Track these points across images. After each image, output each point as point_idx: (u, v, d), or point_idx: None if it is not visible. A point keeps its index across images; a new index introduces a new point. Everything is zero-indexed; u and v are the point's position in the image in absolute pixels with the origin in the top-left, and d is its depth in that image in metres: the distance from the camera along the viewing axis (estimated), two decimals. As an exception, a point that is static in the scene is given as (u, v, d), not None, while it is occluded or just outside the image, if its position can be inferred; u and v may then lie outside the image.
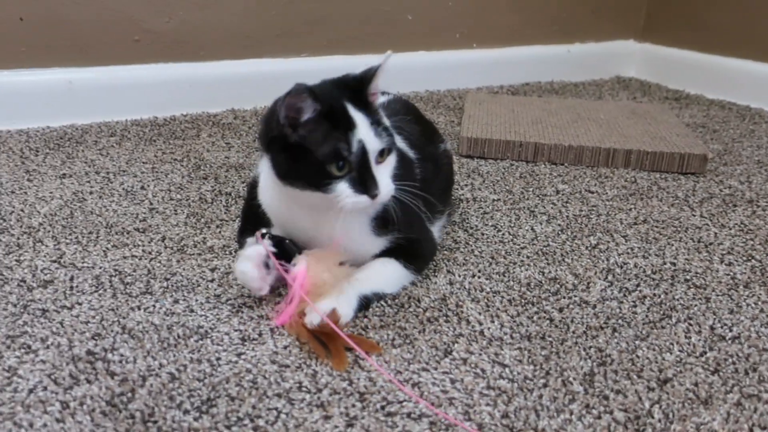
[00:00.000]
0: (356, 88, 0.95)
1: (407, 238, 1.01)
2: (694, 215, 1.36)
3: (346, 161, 0.90)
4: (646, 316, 1.00)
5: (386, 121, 0.97)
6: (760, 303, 1.05)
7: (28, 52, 1.67)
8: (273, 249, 0.96)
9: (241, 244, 1.12)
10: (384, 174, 0.94)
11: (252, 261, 0.95)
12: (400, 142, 1.05)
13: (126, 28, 1.76)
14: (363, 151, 0.91)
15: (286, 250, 0.98)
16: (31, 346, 0.86)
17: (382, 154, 0.94)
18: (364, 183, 0.91)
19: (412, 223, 1.02)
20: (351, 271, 0.98)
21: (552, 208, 1.37)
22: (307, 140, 0.91)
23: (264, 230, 0.99)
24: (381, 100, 1.20)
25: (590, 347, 0.92)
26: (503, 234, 1.25)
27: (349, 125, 0.91)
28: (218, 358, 0.86)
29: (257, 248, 0.96)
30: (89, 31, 1.72)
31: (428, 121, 1.30)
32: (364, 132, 0.91)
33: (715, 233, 1.28)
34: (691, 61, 2.46)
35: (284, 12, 1.95)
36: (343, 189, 0.91)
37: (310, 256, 0.96)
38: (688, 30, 2.48)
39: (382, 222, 0.99)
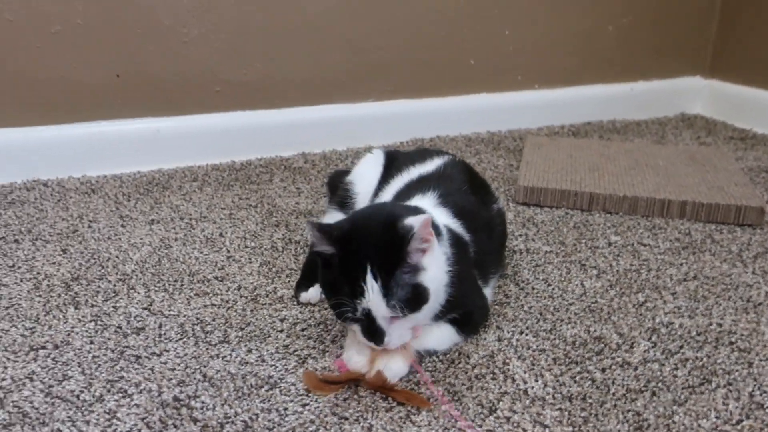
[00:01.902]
0: (392, 242, 0.93)
1: (463, 312, 1.09)
2: (746, 272, 1.39)
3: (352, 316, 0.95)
4: (686, 380, 1.05)
5: (425, 278, 0.95)
6: (803, 370, 1.08)
7: (123, 104, 1.85)
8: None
9: (297, 296, 1.23)
10: (400, 326, 0.96)
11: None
12: (454, 224, 1.11)
13: (208, 80, 1.93)
14: (369, 315, 0.94)
15: None
16: (127, 390, 1.00)
17: (401, 314, 0.94)
18: (372, 334, 0.96)
19: (467, 301, 1.09)
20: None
21: (603, 261, 1.42)
22: (330, 263, 0.96)
23: None
24: (437, 163, 1.29)
25: (628, 410, 0.98)
26: (553, 289, 1.31)
27: (356, 293, 0.92)
28: (285, 408, 0.97)
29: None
30: (175, 84, 1.89)
31: (482, 181, 1.37)
32: (372, 302, 0.92)
33: (766, 292, 1.31)
34: (759, 99, 2.44)
35: (350, 60, 2.08)
36: (354, 327, 0.99)
37: None
38: (757, 66, 2.46)
39: (442, 312, 1.05)
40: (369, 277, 0.92)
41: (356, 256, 0.94)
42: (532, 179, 1.75)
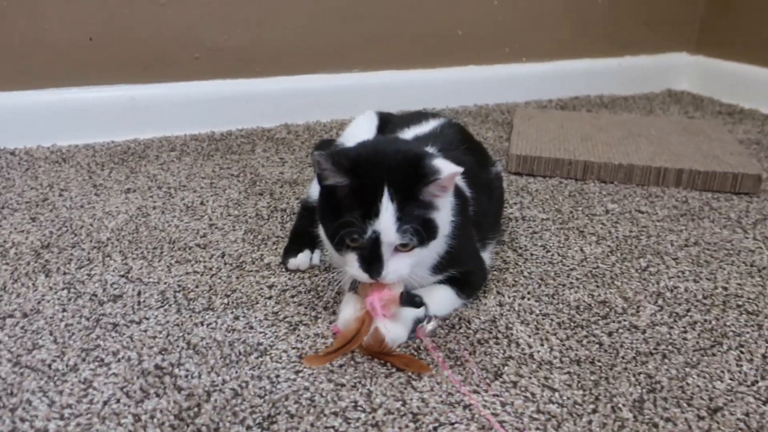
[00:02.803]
0: (412, 177, 0.90)
1: (461, 271, 1.04)
2: (747, 237, 1.35)
3: (358, 239, 0.90)
4: (697, 342, 1.00)
5: (438, 215, 0.93)
6: (815, 332, 1.04)
7: (96, 70, 1.75)
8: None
9: (285, 263, 1.17)
10: (401, 261, 0.92)
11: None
12: (459, 180, 1.06)
13: (186, 46, 1.83)
14: (377, 240, 0.89)
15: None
16: (104, 359, 0.92)
17: (406, 245, 0.91)
18: (370, 264, 0.91)
19: (465, 257, 1.04)
20: None
21: (601, 228, 1.38)
22: (337, 195, 0.92)
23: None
24: (433, 125, 1.23)
25: (640, 373, 0.93)
26: (552, 255, 1.26)
27: (371, 213, 0.88)
28: (277, 376, 0.90)
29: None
30: (153, 50, 1.80)
31: (480, 145, 1.32)
32: (384, 225, 0.88)
33: (769, 257, 1.27)
34: (746, 75, 2.42)
35: (337, 29, 2.00)
36: (350, 258, 0.92)
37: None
38: (744, 42, 2.44)
39: (440, 267, 1.01)
40: (386, 199, 0.88)
41: (373, 179, 0.89)
42: (524, 148, 1.70)
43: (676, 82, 2.62)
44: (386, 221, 0.88)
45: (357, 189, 0.90)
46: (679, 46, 2.61)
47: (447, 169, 0.89)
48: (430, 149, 1.04)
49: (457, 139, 1.20)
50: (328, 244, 0.98)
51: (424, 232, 0.91)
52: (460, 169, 0.90)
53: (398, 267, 0.91)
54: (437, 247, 0.97)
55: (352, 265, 0.92)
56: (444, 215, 0.94)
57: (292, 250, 1.18)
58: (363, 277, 0.92)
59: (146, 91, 1.81)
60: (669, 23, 2.54)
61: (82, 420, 0.81)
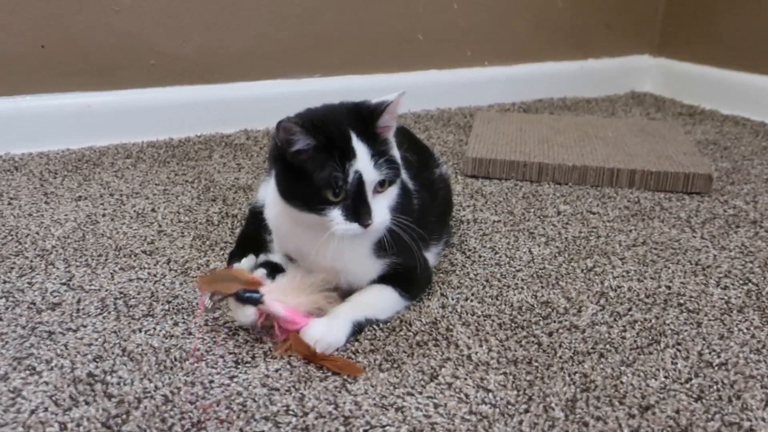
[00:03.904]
0: (366, 119, 0.97)
1: (403, 265, 1.04)
2: (695, 237, 1.37)
3: (342, 189, 0.93)
4: (635, 341, 1.01)
5: (395, 153, 1.00)
6: (752, 328, 1.05)
7: (49, 78, 1.74)
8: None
9: (230, 264, 1.16)
10: (381, 204, 0.96)
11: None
12: (403, 174, 1.07)
13: (143, 52, 1.82)
14: (360, 181, 0.93)
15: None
16: (36, 367, 0.91)
17: (383, 185, 0.96)
18: (358, 212, 0.94)
19: (407, 251, 1.04)
20: (329, 296, 1.00)
21: (552, 229, 1.39)
22: (306, 164, 0.94)
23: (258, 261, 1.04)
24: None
25: (575, 372, 0.93)
26: (500, 256, 1.26)
27: (349, 155, 0.93)
28: (211, 381, 0.89)
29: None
30: (107, 56, 1.78)
31: (424, 145, 1.32)
32: (363, 164, 0.94)
33: (714, 255, 1.29)
34: (706, 76, 2.45)
35: (296, 33, 2.00)
36: (336, 215, 0.94)
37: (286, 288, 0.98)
38: (704, 44, 2.47)
39: (381, 246, 1.01)
40: (355, 141, 0.94)
41: (338, 130, 0.95)
42: (480, 151, 1.71)
43: (639, 84, 2.65)
44: (364, 159, 0.93)
45: (324, 146, 0.93)
46: (641, 48, 2.64)
47: (391, 95, 0.97)
48: None
49: (399, 138, 1.20)
50: (303, 216, 0.97)
51: (393, 169, 0.96)
52: (403, 91, 0.97)
53: (381, 211, 0.95)
54: (395, 194, 1.00)
55: (337, 222, 0.94)
56: (396, 153, 1.00)
57: (236, 255, 1.18)
58: (353, 228, 0.94)
59: (102, 98, 1.80)
60: (630, 25, 2.57)
61: (7, 430, 0.80)
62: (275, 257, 1.11)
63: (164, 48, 1.85)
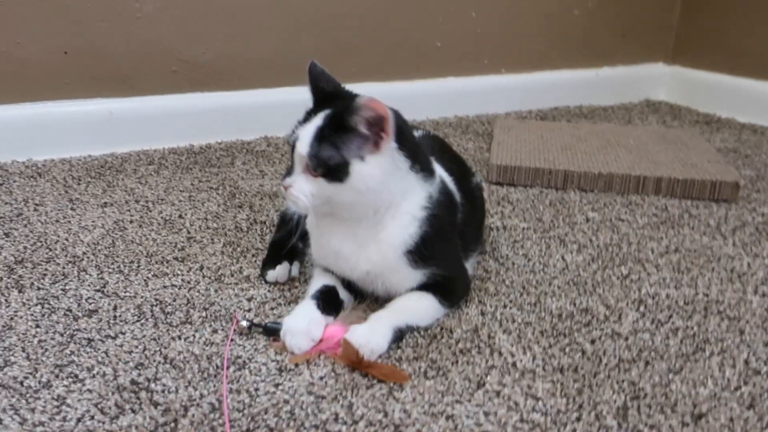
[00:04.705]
0: (343, 111, 0.94)
1: (443, 275, 1.03)
2: (727, 244, 1.36)
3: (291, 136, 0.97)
4: (679, 348, 1.00)
5: (356, 164, 0.93)
6: (795, 336, 1.04)
7: (72, 84, 1.73)
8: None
9: (264, 275, 1.15)
10: (305, 181, 0.94)
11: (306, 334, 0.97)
12: (450, 184, 1.08)
13: (164, 59, 1.82)
14: (293, 146, 0.96)
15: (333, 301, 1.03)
16: (78, 375, 0.90)
17: (315, 169, 0.93)
18: (288, 170, 0.97)
19: (449, 260, 1.03)
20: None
21: (582, 236, 1.38)
22: None
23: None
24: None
25: (623, 380, 0.92)
26: (534, 263, 1.26)
27: (307, 119, 0.97)
28: (256, 389, 0.88)
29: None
30: (129, 63, 1.78)
31: (458, 155, 1.31)
32: (302, 133, 0.94)
33: (749, 263, 1.28)
34: (722, 84, 2.45)
35: (316, 41, 2.00)
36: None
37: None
38: (719, 52, 2.47)
39: (417, 255, 1.00)
40: (320, 116, 0.95)
41: (325, 100, 1.00)
42: (504, 158, 1.70)
43: (654, 92, 2.65)
44: (306, 132, 0.94)
45: (314, 108, 0.99)
46: (655, 56, 2.64)
47: (366, 96, 0.91)
48: None
49: (437, 149, 1.19)
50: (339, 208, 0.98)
51: (331, 166, 0.92)
52: (387, 108, 0.92)
53: (302, 186, 0.94)
54: (365, 203, 0.96)
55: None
56: (368, 171, 0.93)
57: (270, 263, 1.17)
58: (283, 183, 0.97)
59: (123, 104, 1.79)
60: (645, 34, 2.58)
61: (55, 438, 0.79)
62: (320, 279, 1.07)
63: (185, 55, 1.84)
